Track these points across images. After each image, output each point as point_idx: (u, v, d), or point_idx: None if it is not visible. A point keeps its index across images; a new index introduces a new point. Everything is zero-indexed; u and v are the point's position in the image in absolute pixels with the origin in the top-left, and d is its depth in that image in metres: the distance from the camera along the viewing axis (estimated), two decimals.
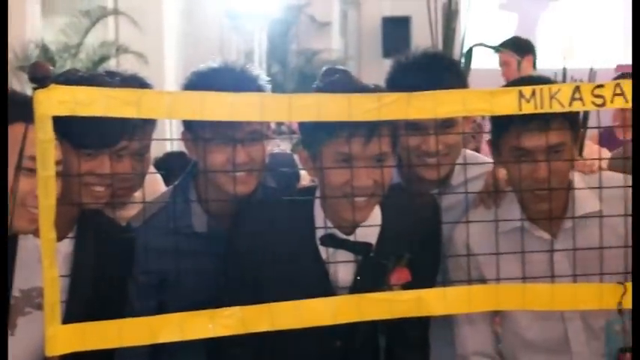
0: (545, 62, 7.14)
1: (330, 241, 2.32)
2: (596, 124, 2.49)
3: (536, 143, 2.29)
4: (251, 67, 2.53)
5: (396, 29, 9.80)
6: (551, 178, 2.29)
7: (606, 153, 2.74)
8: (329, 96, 2.00)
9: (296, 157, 2.51)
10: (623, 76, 4.99)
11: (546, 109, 2.01)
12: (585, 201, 2.41)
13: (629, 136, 5.50)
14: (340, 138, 2.16)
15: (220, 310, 1.98)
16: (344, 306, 2.05)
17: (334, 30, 12.98)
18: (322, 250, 2.33)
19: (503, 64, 6.73)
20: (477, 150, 3.96)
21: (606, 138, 5.84)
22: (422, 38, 6.37)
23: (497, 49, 6.60)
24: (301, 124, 2.27)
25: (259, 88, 2.43)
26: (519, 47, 6.75)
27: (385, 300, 2.08)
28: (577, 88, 2.01)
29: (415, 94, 1.98)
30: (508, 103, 2.00)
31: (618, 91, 2.01)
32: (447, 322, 2.54)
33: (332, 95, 2.00)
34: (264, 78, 2.50)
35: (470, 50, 5.75)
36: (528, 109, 2.01)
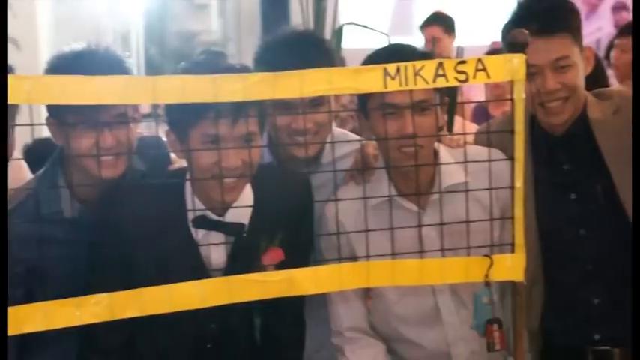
0: (421, 41, 7.17)
1: (202, 222, 2.31)
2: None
3: (402, 98, 2.31)
4: (116, 50, 2.49)
5: (274, 9, 9.73)
6: (417, 134, 2.30)
7: (474, 128, 2.79)
8: (194, 77, 1.98)
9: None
10: (494, 51, 5.08)
11: (411, 86, 2.04)
12: (451, 174, 2.45)
13: (497, 112, 5.60)
14: (207, 120, 2.15)
15: (87, 297, 1.95)
16: (215, 288, 2.05)
17: (213, 11, 12.88)
18: (194, 232, 2.32)
19: (435, 40, 6.28)
20: (355, 130, 3.98)
21: (481, 113, 5.95)
22: (300, 18, 6.40)
23: (422, 25, 6.40)
24: (167, 107, 2.25)
25: (125, 71, 2.39)
26: (446, 24, 6.44)
27: (256, 281, 2.08)
28: (440, 65, 2.04)
29: (281, 73, 1.98)
30: (373, 81, 2.02)
31: (480, 66, 2.05)
32: (322, 300, 2.56)
33: (197, 76, 1.98)
34: (129, 60, 2.46)
35: (340, 29, 5.76)
36: (393, 86, 2.03)
